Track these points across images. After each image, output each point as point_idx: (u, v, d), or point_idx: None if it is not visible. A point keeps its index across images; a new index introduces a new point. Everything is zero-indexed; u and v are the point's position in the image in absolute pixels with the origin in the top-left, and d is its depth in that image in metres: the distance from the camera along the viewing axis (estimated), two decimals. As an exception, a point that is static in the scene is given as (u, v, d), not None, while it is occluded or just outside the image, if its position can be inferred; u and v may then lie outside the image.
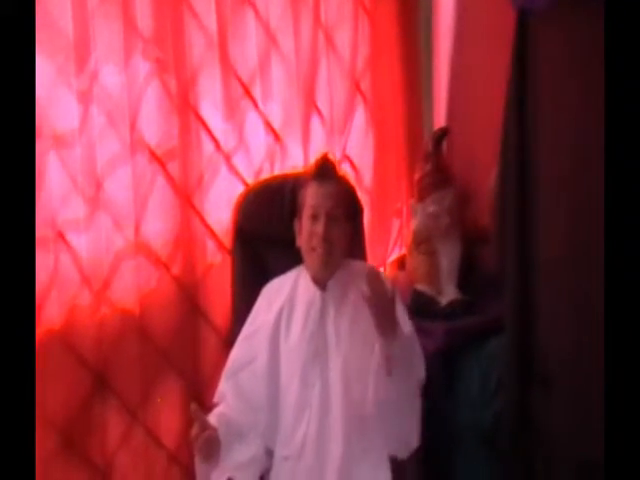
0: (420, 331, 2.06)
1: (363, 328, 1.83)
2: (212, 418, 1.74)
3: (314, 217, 1.85)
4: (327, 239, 1.83)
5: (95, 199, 1.92)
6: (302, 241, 1.90)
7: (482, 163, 2.50)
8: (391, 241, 2.78)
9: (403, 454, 1.79)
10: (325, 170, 1.92)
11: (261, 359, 1.87)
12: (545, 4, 1.81)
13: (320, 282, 1.89)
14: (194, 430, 1.65)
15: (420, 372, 1.84)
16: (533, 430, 1.94)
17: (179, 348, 2.11)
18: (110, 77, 1.93)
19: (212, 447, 1.68)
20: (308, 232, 1.86)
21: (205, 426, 1.66)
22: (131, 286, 2.01)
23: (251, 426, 1.82)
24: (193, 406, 1.65)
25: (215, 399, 1.89)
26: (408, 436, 1.77)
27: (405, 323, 1.91)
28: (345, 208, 1.91)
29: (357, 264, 1.99)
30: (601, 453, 1.69)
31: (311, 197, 1.88)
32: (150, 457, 2.07)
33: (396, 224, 2.78)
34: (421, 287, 2.48)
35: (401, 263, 2.72)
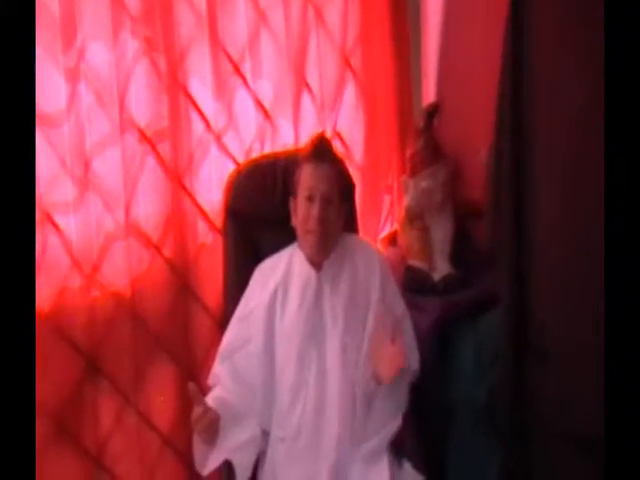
0: (414, 307, 2.08)
1: (360, 305, 1.86)
2: (208, 401, 1.73)
3: (310, 199, 1.84)
4: (323, 221, 1.83)
5: (84, 180, 1.89)
6: (297, 221, 1.89)
7: (473, 138, 2.49)
8: (382, 217, 2.76)
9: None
10: (321, 150, 1.90)
11: (256, 340, 1.86)
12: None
13: (315, 262, 1.88)
14: (196, 411, 1.65)
15: (413, 364, 1.89)
16: (529, 403, 1.95)
17: (171, 330, 2.10)
18: (98, 55, 1.89)
19: (214, 429, 1.69)
20: (304, 214, 1.85)
21: (206, 407, 1.66)
22: (122, 268, 1.99)
23: (248, 408, 1.82)
24: (192, 386, 1.64)
25: (209, 381, 1.89)
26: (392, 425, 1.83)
27: (398, 303, 1.92)
28: (340, 189, 1.90)
29: (351, 238, 2.00)
30: (597, 426, 1.72)
31: (306, 179, 1.87)
32: (143, 440, 2.06)
33: (387, 200, 2.76)
34: (414, 263, 2.48)
35: (392, 239, 2.71)
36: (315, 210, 1.82)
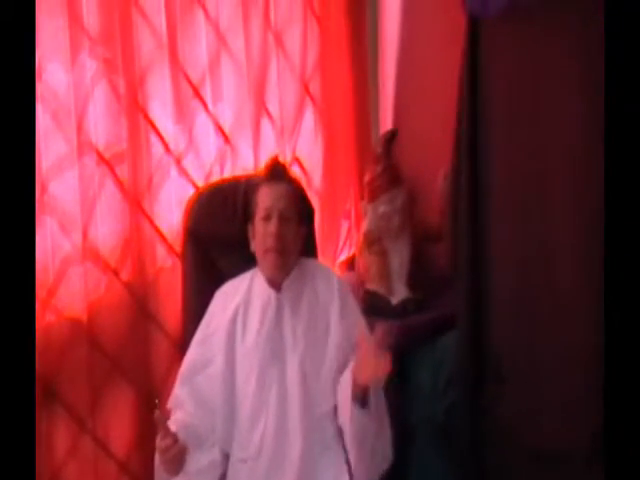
0: (373, 330, 2.07)
1: (319, 327, 1.85)
2: (170, 426, 1.69)
3: (267, 218, 1.84)
4: (280, 238, 1.82)
5: (40, 202, 1.87)
6: (256, 245, 1.88)
7: (431, 163, 2.53)
8: (340, 242, 2.77)
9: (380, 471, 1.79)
10: (276, 172, 1.91)
11: (217, 362, 1.84)
12: (496, 10, 1.83)
13: (275, 283, 1.87)
14: (165, 442, 1.61)
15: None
16: (485, 422, 1.97)
17: (129, 355, 2.06)
18: (56, 76, 1.88)
19: (181, 461, 1.65)
20: (261, 233, 1.85)
21: (174, 438, 1.62)
22: (78, 292, 1.96)
23: (209, 431, 1.79)
24: (158, 414, 1.60)
25: (169, 404, 1.85)
26: (384, 453, 1.79)
27: (359, 321, 1.92)
28: (297, 209, 1.90)
29: (310, 263, 1.99)
30: (553, 442, 1.73)
31: (263, 199, 1.87)
32: (99, 468, 2.01)
33: (345, 225, 2.78)
34: (372, 287, 2.50)
35: (350, 264, 2.72)
36: (272, 226, 1.82)
